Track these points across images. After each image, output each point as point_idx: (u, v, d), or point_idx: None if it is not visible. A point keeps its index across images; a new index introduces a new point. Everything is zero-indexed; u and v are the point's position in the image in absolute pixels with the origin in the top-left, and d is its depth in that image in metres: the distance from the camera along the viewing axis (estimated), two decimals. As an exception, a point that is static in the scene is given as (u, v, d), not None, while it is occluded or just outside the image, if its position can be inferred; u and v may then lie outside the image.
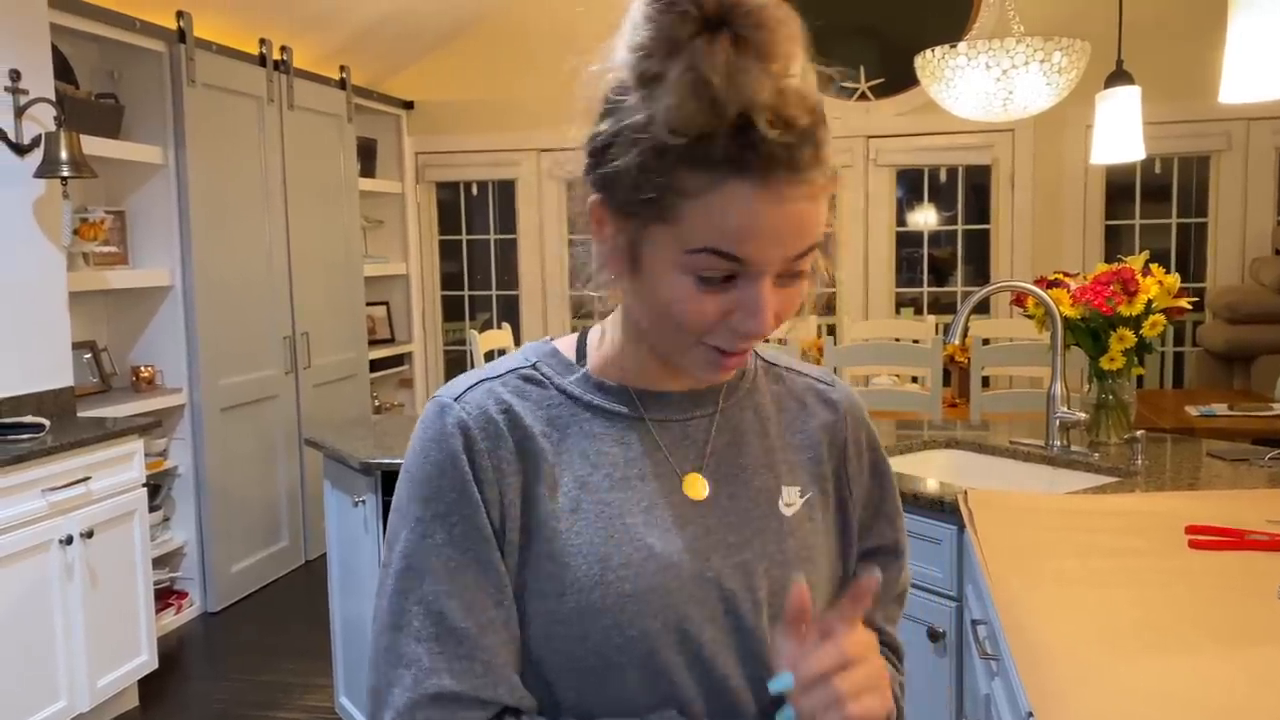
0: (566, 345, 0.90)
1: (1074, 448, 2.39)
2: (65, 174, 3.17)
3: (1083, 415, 2.39)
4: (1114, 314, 2.33)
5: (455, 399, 0.84)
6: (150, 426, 3.41)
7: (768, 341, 0.94)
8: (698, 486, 0.85)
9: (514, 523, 0.81)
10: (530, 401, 0.85)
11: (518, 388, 0.85)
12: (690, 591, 0.81)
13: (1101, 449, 2.39)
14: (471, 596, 0.79)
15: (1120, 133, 3.42)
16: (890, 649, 0.98)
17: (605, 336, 0.89)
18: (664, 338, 0.80)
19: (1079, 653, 1.23)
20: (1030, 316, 2.54)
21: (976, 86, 3.72)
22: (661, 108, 0.71)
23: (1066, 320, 2.40)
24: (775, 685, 0.77)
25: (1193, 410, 3.76)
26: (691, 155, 0.71)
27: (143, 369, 3.91)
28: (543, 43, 5.33)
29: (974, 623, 1.73)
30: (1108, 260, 4.42)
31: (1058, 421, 2.39)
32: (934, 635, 2.04)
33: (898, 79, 5.48)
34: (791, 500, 0.89)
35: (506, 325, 4.80)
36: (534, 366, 0.87)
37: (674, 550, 0.82)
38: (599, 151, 0.77)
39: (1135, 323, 2.36)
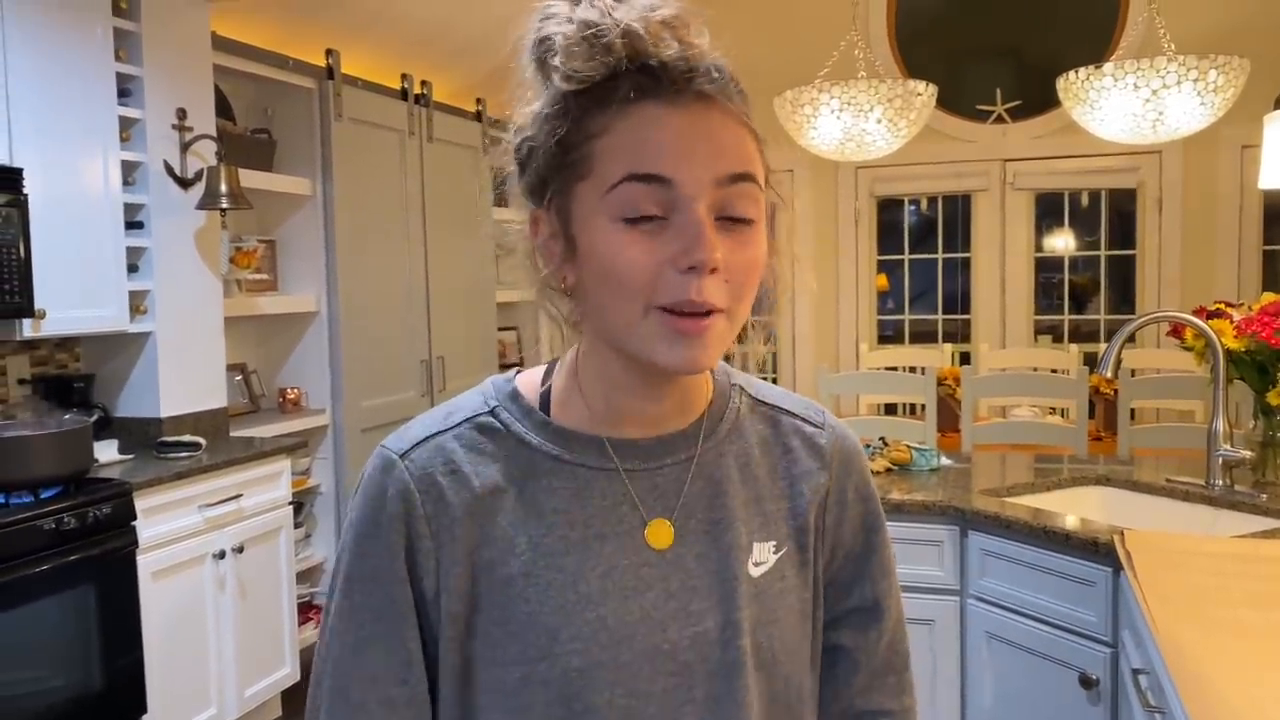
0: (530, 385, 0.84)
1: (1238, 487, 2.26)
2: (224, 206, 3.34)
3: (1248, 453, 2.27)
4: (1283, 346, 2.21)
5: (402, 455, 0.79)
6: (296, 447, 3.55)
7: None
8: (662, 534, 0.80)
9: (457, 592, 0.78)
10: (485, 455, 0.80)
11: (471, 440, 0.80)
12: (640, 666, 0.77)
13: (1270, 489, 2.25)
14: (376, 671, 0.78)
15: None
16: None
17: (572, 376, 0.83)
18: (618, 318, 0.73)
19: (1262, 711, 1.16)
20: (1188, 348, 2.42)
21: (1124, 108, 3.58)
22: (557, 63, 0.71)
23: (1229, 353, 2.28)
24: None
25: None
26: (595, 99, 0.71)
27: (289, 390, 4.07)
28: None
29: (1135, 671, 1.65)
30: (1266, 288, 4.19)
31: (1220, 459, 2.27)
32: (1086, 682, 1.95)
33: (1035, 101, 5.33)
34: (763, 558, 0.83)
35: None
36: (492, 413, 0.82)
37: (630, 621, 0.78)
38: (521, 149, 0.76)
39: (1307, 356, 2.22)
